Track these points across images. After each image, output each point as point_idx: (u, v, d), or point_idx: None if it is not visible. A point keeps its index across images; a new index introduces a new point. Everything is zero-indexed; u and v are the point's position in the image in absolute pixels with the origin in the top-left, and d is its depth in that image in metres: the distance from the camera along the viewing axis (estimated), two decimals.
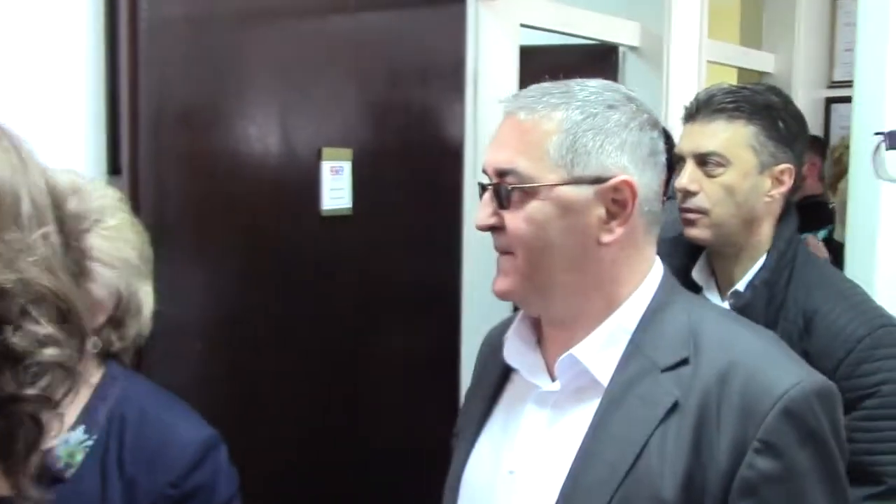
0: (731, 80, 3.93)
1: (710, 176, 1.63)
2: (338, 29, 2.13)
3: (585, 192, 1.08)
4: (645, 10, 3.32)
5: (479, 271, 2.44)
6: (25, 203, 0.62)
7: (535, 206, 1.08)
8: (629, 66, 3.39)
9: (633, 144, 1.09)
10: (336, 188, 2.13)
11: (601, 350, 1.10)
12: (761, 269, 1.63)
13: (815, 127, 3.70)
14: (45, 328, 0.61)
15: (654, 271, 1.15)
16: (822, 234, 3.06)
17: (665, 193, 1.23)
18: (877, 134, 1.72)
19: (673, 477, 1.01)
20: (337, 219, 2.13)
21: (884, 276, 1.96)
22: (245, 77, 1.94)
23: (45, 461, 0.67)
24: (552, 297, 1.12)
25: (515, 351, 1.19)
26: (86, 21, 1.71)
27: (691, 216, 1.65)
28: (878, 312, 1.57)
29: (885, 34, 1.97)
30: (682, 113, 1.72)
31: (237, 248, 1.95)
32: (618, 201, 1.09)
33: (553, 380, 1.14)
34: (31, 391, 0.61)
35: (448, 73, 2.45)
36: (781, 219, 1.67)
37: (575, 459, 1.07)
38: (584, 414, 1.09)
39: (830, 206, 3.16)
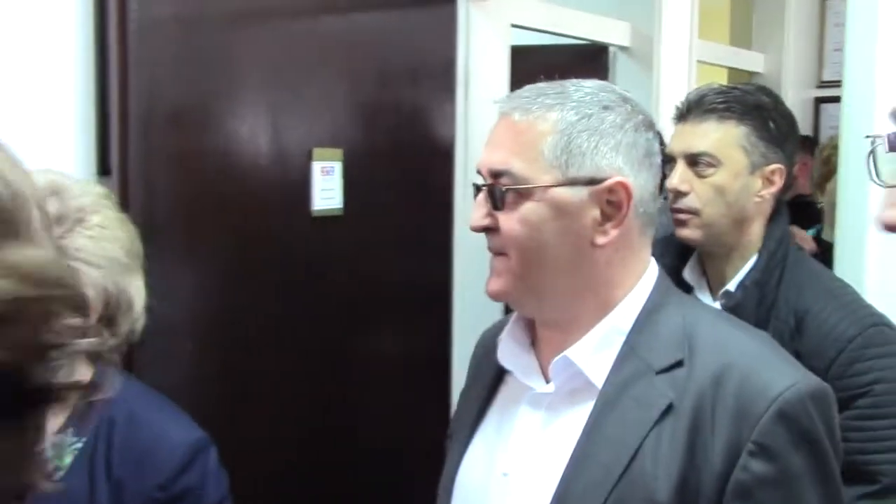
0: (721, 80, 3.94)
1: (700, 176, 1.63)
2: (328, 29, 2.13)
3: (580, 193, 1.07)
4: (635, 10, 3.32)
5: (470, 271, 2.44)
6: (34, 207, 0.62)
7: (529, 208, 1.08)
8: (619, 66, 3.39)
9: (628, 145, 1.09)
10: (327, 188, 2.12)
11: (595, 352, 1.10)
12: (752, 269, 1.63)
13: (804, 127, 3.71)
14: (75, 320, 0.62)
15: (649, 273, 1.15)
16: (810, 233, 3.07)
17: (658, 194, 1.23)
18: (867, 137, 1.72)
19: (667, 479, 1.01)
20: (328, 219, 2.13)
21: (873, 277, 1.97)
22: (235, 77, 1.93)
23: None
24: (546, 299, 1.12)
25: (509, 352, 1.18)
26: (75, 21, 1.70)
27: (682, 216, 1.64)
28: (869, 311, 1.58)
29: (874, 35, 1.98)
30: (672, 113, 1.72)
31: (228, 249, 1.94)
32: (612, 203, 1.08)
33: (547, 381, 1.14)
34: (64, 380, 0.61)
35: (439, 73, 2.44)
36: (772, 219, 1.67)
37: (569, 461, 1.07)
38: (578, 416, 1.09)
39: (819, 205, 3.17)
